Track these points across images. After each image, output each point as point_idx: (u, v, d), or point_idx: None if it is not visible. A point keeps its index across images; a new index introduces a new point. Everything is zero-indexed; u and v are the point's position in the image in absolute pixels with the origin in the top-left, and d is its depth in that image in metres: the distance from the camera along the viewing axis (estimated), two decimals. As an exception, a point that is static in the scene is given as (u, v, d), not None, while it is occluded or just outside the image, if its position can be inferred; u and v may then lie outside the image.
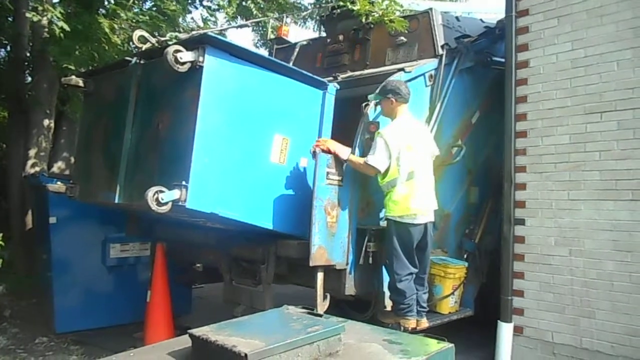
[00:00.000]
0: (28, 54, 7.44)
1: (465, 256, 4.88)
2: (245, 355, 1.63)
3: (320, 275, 3.73)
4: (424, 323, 4.04)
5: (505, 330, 4.31)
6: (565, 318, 4.08)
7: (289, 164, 3.86)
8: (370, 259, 4.01)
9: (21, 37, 7.25)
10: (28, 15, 6.11)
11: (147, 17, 6.27)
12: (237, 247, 4.32)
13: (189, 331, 1.94)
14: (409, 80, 4.28)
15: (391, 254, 3.87)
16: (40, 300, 5.61)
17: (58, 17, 5.45)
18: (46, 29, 6.47)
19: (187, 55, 3.24)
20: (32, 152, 6.78)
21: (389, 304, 4.04)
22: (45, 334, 5.05)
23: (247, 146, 3.63)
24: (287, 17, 9.05)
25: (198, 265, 5.52)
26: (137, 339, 4.79)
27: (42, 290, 5.58)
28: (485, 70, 5.00)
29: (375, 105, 4.08)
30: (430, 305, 4.33)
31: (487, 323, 4.51)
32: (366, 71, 4.93)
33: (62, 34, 5.52)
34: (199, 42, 3.36)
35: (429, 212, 3.94)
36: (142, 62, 3.93)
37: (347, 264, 3.86)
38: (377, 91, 3.98)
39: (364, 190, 4.02)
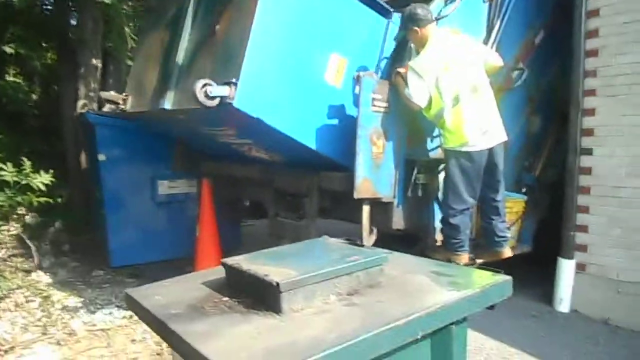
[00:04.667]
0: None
1: (524, 190, 4.58)
2: (277, 284, 1.50)
3: (366, 209, 3.55)
4: (507, 252, 3.86)
5: (566, 267, 4.08)
6: (634, 255, 3.78)
7: (344, 87, 3.64)
8: (420, 191, 3.81)
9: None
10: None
11: None
12: (280, 180, 4.20)
13: (223, 260, 1.84)
14: (464, -4, 3.88)
15: (448, 186, 3.65)
16: (95, 235, 5.78)
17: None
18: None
19: None
20: (81, 92, 6.82)
21: (439, 239, 3.85)
22: (101, 268, 5.22)
23: (302, 57, 3.46)
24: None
25: (245, 201, 5.49)
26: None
27: (97, 227, 5.75)
28: (551, -16, 4.49)
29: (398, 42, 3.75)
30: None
31: (545, 261, 4.26)
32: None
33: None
34: None
35: (490, 134, 3.59)
36: None
37: (394, 196, 3.66)
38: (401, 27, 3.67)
39: (413, 118, 3.74)
